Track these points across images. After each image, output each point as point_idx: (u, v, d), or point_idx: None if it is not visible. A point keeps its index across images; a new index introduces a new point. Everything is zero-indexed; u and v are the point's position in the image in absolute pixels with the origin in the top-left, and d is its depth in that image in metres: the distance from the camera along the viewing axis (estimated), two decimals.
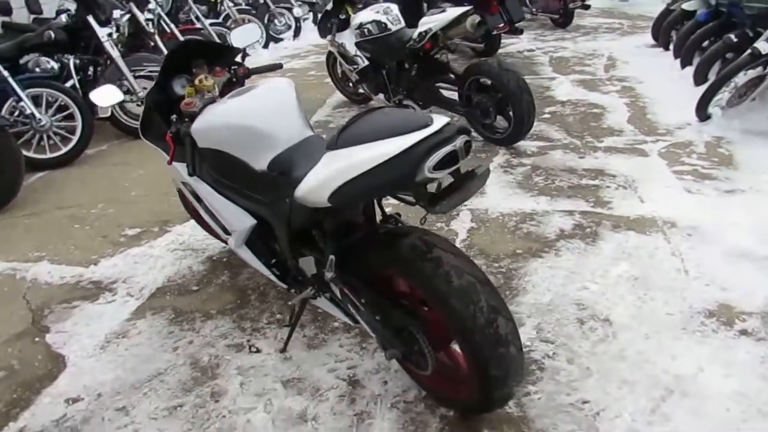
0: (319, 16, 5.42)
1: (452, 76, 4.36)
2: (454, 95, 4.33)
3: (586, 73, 5.94)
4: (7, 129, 3.68)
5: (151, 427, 2.01)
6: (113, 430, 2.01)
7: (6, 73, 4.15)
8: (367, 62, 4.71)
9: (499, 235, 3.03)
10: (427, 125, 1.47)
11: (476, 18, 3.94)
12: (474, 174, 1.60)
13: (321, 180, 1.58)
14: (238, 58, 2.57)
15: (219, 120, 2.08)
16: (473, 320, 1.60)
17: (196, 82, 2.33)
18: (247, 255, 2.29)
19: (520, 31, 6.60)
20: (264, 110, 2.06)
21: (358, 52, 4.72)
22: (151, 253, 3.14)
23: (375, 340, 1.97)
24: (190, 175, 2.25)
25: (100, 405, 2.12)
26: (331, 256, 1.77)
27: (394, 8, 4.58)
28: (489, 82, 3.98)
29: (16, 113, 4.30)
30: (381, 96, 4.84)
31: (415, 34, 4.19)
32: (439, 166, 1.45)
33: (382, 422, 1.94)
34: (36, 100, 4.33)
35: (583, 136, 4.29)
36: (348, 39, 4.76)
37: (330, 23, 4.89)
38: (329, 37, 4.91)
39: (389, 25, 4.49)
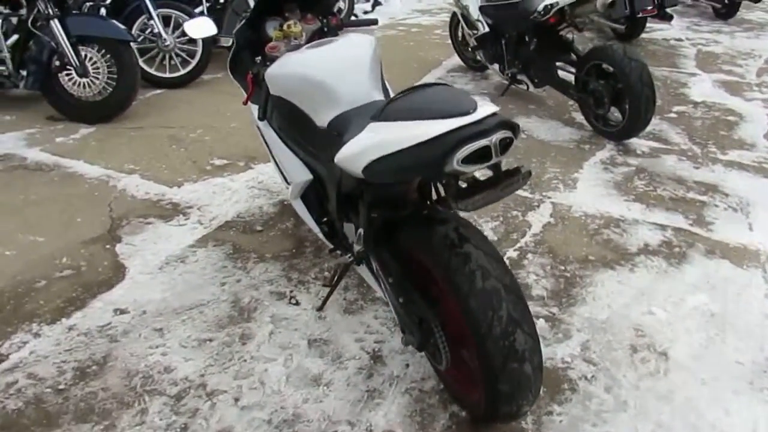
0: None
1: (574, 57, 4.05)
2: (571, 78, 4.03)
3: (734, 74, 5.30)
4: (130, 43, 3.90)
5: (179, 354, 2.10)
6: (145, 347, 2.12)
7: None
8: (487, 29, 4.48)
9: (576, 237, 2.82)
10: (467, 112, 1.35)
11: None
12: (512, 175, 1.46)
13: (356, 151, 1.51)
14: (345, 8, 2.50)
15: (290, 69, 2.05)
16: (489, 327, 1.49)
17: (284, 27, 2.31)
18: (301, 208, 2.29)
19: (669, 17, 5.96)
20: (335, 66, 2.00)
21: (481, 17, 4.50)
22: (231, 186, 3.25)
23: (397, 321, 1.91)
24: (260, 119, 2.26)
25: (142, 321, 2.25)
26: (360, 229, 1.72)
27: None
28: (610, 69, 3.65)
29: (147, 30, 4.56)
30: (496, 66, 4.61)
31: (541, 7, 3.91)
32: (471, 159, 1.33)
33: (391, 405, 1.90)
34: (166, 21, 4.55)
35: (706, 145, 3.85)
36: (473, 2, 4.55)
37: None
38: None
39: None
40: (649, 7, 5.71)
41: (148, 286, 2.45)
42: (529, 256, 2.67)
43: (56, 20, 3.61)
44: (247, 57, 2.45)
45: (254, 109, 2.33)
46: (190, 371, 2.03)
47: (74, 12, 3.88)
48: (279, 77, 2.09)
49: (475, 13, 4.51)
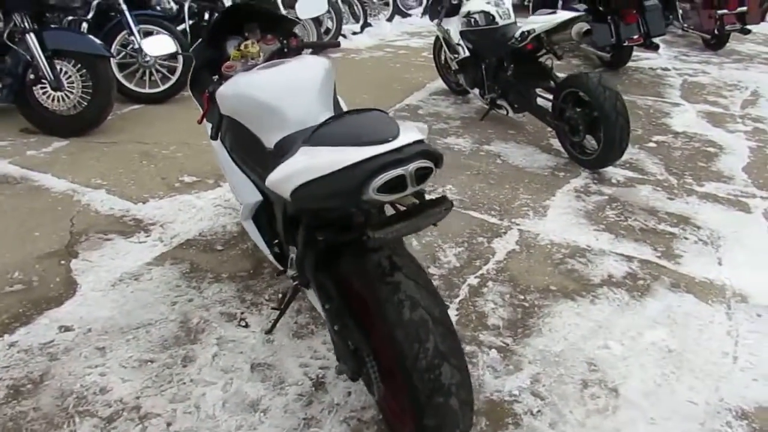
0: None
1: (552, 84, 4.05)
2: (549, 105, 4.03)
3: (719, 105, 5.30)
4: (109, 58, 3.90)
5: (117, 374, 2.05)
6: (84, 367, 2.08)
7: (124, 7, 4.40)
8: (468, 53, 4.49)
9: (539, 265, 2.78)
10: (387, 140, 1.32)
11: (584, 26, 3.59)
12: (434, 205, 1.43)
13: (284, 174, 1.48)
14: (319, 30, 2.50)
15: (239, 90, 2.04)
16: (414, 360, 1.45)
17: (242, 47, 2.30)
18: (251, 229, 2.26)
19: (656, 47, 6.02)
20: (282, 87, 1.98)
21: (461, 41, 4.51)
22: (196, 204, 3.22)
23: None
24: (212, 138, 2.24)
25: (86, 340, 2.21)
26: (292, 254, 1.68)
27: (509, 1, 4.30)
28: (586, 97, 3.64)
29: (128, 46, 4.57)
30: (477, 90, 4.62)
31: (518, 33, 3.92)
32: (388, 188, 1.30)
33: None
34: (147, 36, 4.56)
35: (683, 176, 3.83)
36: (454, 26, 4.56)
37: (440, 6, 4.71)
38: (436, 20, 4.73)
39: (497, 18, 4.24)
40: (635, 36, 5.77)
41: (97, 304, 2.41)
42: (490, 284, 2.63)
43: (32, 34, 3.62)
44: (206, 75, 2.44)
45: (208, 128, 2.31)
46: (125, 393, 1.97)
47: (52, 26, 3.88)
48: (229, 97, 2.07)
49: (455, 37, 4.53)
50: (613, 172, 3.81)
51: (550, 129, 4.22)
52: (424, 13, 8.49)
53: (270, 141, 1.95)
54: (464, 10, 4.42)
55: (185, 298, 2.46)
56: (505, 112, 4.41)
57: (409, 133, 1.37)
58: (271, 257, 2.23)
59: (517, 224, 3.14)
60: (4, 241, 2.78)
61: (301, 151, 1.50)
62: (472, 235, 3.02)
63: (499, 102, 4.40)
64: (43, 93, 3.82)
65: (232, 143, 2.20)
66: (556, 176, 3.74)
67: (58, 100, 3.86)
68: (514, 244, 2.96)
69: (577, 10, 3.76)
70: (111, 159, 3.69)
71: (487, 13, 4.26)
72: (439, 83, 5.48)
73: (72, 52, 3.73)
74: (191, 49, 2.39)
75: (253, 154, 2.06)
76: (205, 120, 2.35)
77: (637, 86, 5.75)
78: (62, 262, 2.66)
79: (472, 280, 2.65)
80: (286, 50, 2.44)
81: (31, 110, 3.86)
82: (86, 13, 4.43)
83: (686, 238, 3.08)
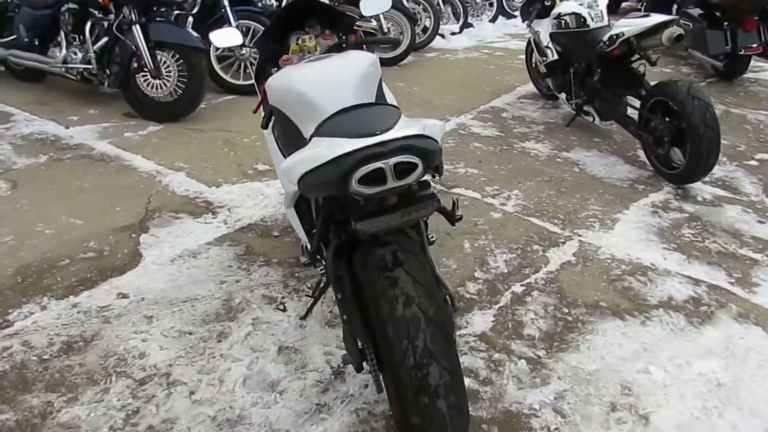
0: None
1: (643, 91, 3.81)
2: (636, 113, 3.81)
3: None
4: (205, 51, 4.18)
5: (157, 342, 2.21)
6: (130, 332, 2.25)
7: (226, 3, 4.67)
8: (556, 56, 4.34)
9: (593, 280, 2.64)
10: (374, 133, 1.33)
11: (675, 31, 3.34)
12: (419, 201, 1.41)
13: (292, 163, 1.53)
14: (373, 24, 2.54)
15: (283, 81, 2.11)
16: (402, 356, 1.44)
17: (299, 41, 2.38)
18: (292, 217, 2.33)
19: None
20: (323, 80, 2.02)
21: (550, 44, 4.37)
22: (264, 191, 3.37)
23: None
24: (263, 127, 2.34)
25: (137, 308, 2.39)
26: (306, 242, 1.72)
27: (603, 3, 4.10)
28: (674, 107, 3.40)
29: None
30: (563, 95, 4.45)
31: (606, 37, 3.73)
32: (369, 181, 1.30)
33: (334, 422, 1.88)
34: (246, 31, 4.82)
35: None
36: (544, 28, 4.43)
37: (532, 7, 4.58)
38: (527, 21, 4.61)
39: (588, 21, 4.05)
40: (754, 45, 5.29)
41: (154, 276, 2.60)
42: (535, 293, 2.54)
43: (138, 26, 3.95)
44: (269, 67, 2.55)
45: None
46: (160, 359, 2.12)
47: (158, 19, 4.21)
48: (275, 88, 2.15)
49: (545, 39, 4.39)
50: (700, 188, 3.54)
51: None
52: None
53: (308, 131, 1.99)
54: (555, 11, 4.27)
55: (233, 278, 2.59)
56: (591, 119, 4.22)
57: (403, 129, 1.36)
58: (307, 245, 2.30)
59: (579, 235, 3.00)
60: (90, 213, 3.06)
61: (312, 141, 1.54)
62: (528, 242, 2.92)
63: (586, 108, 4.21)
64: (144, 81, 4.16)
65: (278, 132, 2.29)
66: (634, 189, 3.53)
67: (157, 88, 4.18)
68: (571, 255, 2.83)
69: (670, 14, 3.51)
70: (196, 144, 3.95)
71: (578, 15, 4.09)
72: (531, 87, 5.32)
73: (171, 43, 4.03)
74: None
75: (294, 144, 2.12)
76: (261, 110, 2.46)
77: (752, 99, 5.27)
78: (133, 235, 2.89)
79: (517, 288, 2.58)
80: (344, 46, 2.49)
81: (133, 96, 4.21)
82: (192, 8, 4.76)
83: None
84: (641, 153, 3.91)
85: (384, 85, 2.60)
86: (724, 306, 2.49)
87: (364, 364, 1.72)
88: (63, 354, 2.14)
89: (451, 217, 1.84)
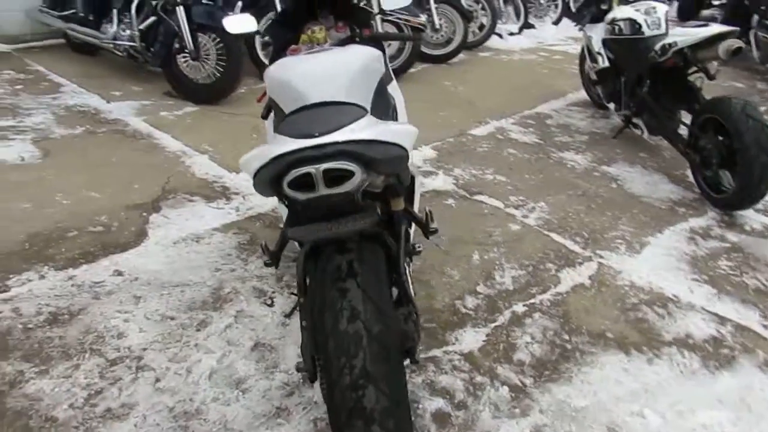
0: None
1: (696, 107, 3.53)
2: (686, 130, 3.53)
3: None
4: (241, 36, 4.17)
5: (138, 324, 2.20)
6: (114, 310, 2.26)
7: None
8: (607, 63, 4.09)
9: (604, 307, 2.45)
10: (313, 135, 1.23)
11: (733, 44, 3.06)
12: (356, 212, 1.31)
13: (247, 159, 1.45)
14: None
15: (278, 71, 2.04)
16: (339, 374, 1.35)
17: (309, 32, 2.31)
18: (283, 212, 2.27)
19: None
20: (314, 73, 1.93)
21: (602, 50, 4.12)
22: None
23: None
24: (263, 118, 2.28)
25: (128, 287, 2.40)
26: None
27: (662, 10, 3.82)
28: (726, 125, 3.12)
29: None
30: (612, 105, 4.20)
31: (658, 46, 3.47)
32: (299, 186, 1.21)
33: (290, 429, 1.81)
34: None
35: None
36: (597, 33, 4.17)
37: (587, 11, 4.34)
38: (579, 25, 4.37)
39: (644, 28, 3.78)
40: None
41: (153, 257, 2.60)
42: (536, 315, 2.38)
43: (182, 7, 3.98)
44: (282, 57, 2.49)
45: None
46: (136, 342, 2.11)
47: (203, 2, 4.25)
48: (270, 78, 2.08)
49: (597, 44, 4.14)
50: (750, 216, 3.24)
51: None
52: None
53: None
54: (610, 16, 4.01)
55: (229, 267, 2.56)
56: (640, 133, 3.95)
57: (351, 132, 1.26)
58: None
59: (600, 257, 2.80)
60: (108, 188, 3.11)
61: (270, 137, 1.47)
62: (542, 259, 2.75)
63: (635, 120, 3.95)
64: (184, 62, 4.20)
65: (274, 124, 2.22)
66: (674, 211, 3.27)
67: (196, 70, 4.22)
68: (586, 277, 2.64)
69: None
70: (225, 128, 3.96)
71: (633, 21, 3.82)
72: (583, 94, 5.05)
73: (212, 27, 4.04)
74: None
75: None
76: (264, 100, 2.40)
77: None
78: (144, 214, 2.91)
79: (519, 307, 2.42)
80: (357, 39, 2.40)
81: (173, 76, 4.27)
82: None
83: None
84: (690, 173, 3.63)
85: (391, 85, 2.50)
86: (750, 351, 2.26)
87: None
88: (47, 325, 2.16)
89: (425, 228, 1.73)
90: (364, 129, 1.32)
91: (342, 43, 2.35)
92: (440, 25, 5.59)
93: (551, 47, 6.62)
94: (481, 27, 6.27)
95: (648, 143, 4.06)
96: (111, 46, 4.46)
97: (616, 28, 3.95)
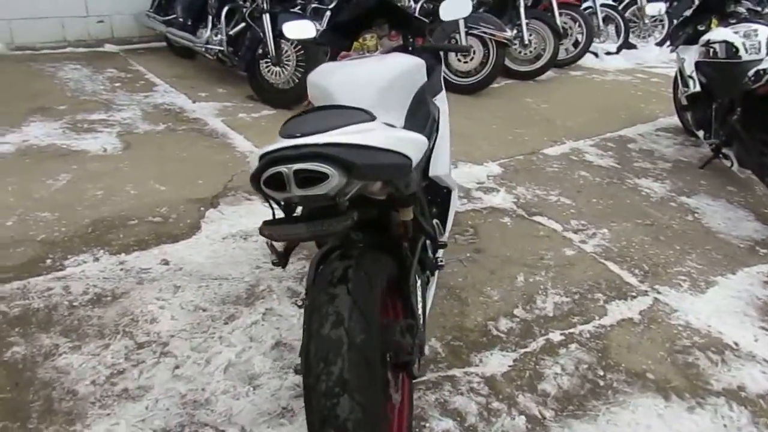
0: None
1: None
2: None
3: None
4: (320, 43, 4.29)
5: (171, 311, 2.29)
6: (153, 297, 2.36)
7: None
8: (698, 88, 3.81)
9: (650, 345, 2.27)
10: (294, 135, 1.23)
11: None
12: (332, 217, 1.28)
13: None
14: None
15: (318, 76, 2.06)
16: (316, 380, 1.32)
17: (360, 39, 2.33)
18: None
19: None
20: (349, 80, 1.94)
21: (694, 74, 3.85)
22: None
23: None
24: None
25: (171, 276, 2.51)
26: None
27: (764, 33, 3.51)
28: None
29: None
30: (701, 133, 3.90)
31: (752, 72, 3.19)
32: (275, 185, 1.21)
33: (292, 429, 1.81)
34: None
35: None
36: (691, 55, 3.91)
37: (682, 31, 4.07)
38: (673, 46, 4.10)
39: (741, 52, 3.50)
40: None
41: (201, 249, 2.70)
42: (573, 346, 2.24)
43: (267, 15, 4.16)
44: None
45: None
46: (165, 328, 2.20)
47: (291, 10, 4.41)
48: (310, 82, 2.12)
49: (689, 68, 3.88)
50: None
51: None
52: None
53: None
54: (705, 37, 3.75)
55: (269, 266, 2.61)
56: (729, 165, 3.64)
57: (338, 135, 1.25)
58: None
59: (658, 292, 2.59)
60: (175, 181, 3.29)
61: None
62: (591, 288, 2.59)
63: (724, 150, 3.65)
64: (266, 67, 4.37)
65: None
66: (753, 252, 2.97)
67: (277, 75, 4.37)
68: (637, 312, 2.46)
69: None
70: None
71: (730, 44, 3.54)
72: (675, 119, 4.75)
73: None
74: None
75: None
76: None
77: None
78: (202, 208, 3.04)
79: (555, 336, 2.29)
80: (410, 49, 2.39)
81: (256, 80, 4.46)
82: (330, 2, 4.91)
83: None
84: None
85: (439, 96, 2.46)
86: None
87: None
88: (90, 304, 2.30)
89: (434, 241, 1.67)
90: (357, 133, 1.30)
91: (393, 51, 2.35)
92: (529, 41, 5.46)
93: (650, 69, 6.28)
94: (576, 44, 6.05)
95: (738, 177, 3.73)
96: (203, 49, 4.73)
97: (711, 50, 3.69)
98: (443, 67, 5.04)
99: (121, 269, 2.53)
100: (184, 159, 3.59)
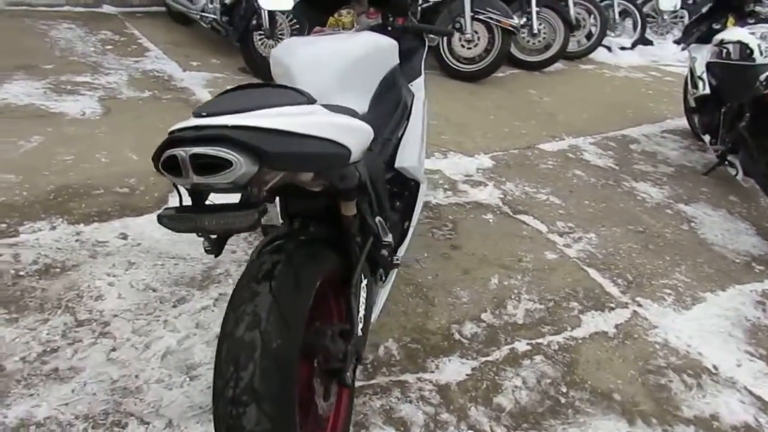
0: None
1: None
2: None
3: None
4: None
5: (120, 289, 2.17)
6: (104, 272, 2.25)
7: None
8: (708, 90, 3.62)
9: (621, 364, 2.12)
10: (200, 115, 1.09)
11: None
12: (239, 209, 1.15)
13: None
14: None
15: (281, 52, 1.91)
16: (224, 385, 1.20)
17: (336, 15, 2.18)
18: None
19: None
20: (313, 58, 1.79)
21: (704, 75, 3.65)
22: None
23: None
24: None
25: (126, 251, 2.39)
26: None
27: None
28: None
29: None
30: (707, 137, 3.71)
31: (764, 76, 2.99)
32: (172, 168, 1.08)
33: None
34: None
35: None
36: (702, 54, 3.70)
37: (696, 29, 3.86)
38: (684, 44, 3.90)
39: (755, 54, 3.30)
40: None
41: (162, 225, 2.58)
42: (538, 358, 2.11)
43: None
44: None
45: None
46: (110, 307, 2.09)
47: None
48: (273, 59, 1.97)
49: (699, 68, 3.68)
50: None
51: None
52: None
53: None
54: (718, 37, 3.54)
55: (231, 249, 2.49)
56: (734, 173, 3.46)
57: (256, 117, 1.11)
58: None
59: (639, 305, 2.45)
60: (152, 151, 3.13)
61: None
62: (568, 296, 2.45)
63: (730, 158, 3.47)
64: (259, 39, 4.22)
65: None
66: (748, 268, 2.81)
67: (270, 48, 4.22)
68: (612, 326, 2.31)
69: None
70: None
71: (744, 45, 3.34)
72: (684, 121, 4.55)
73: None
74: (293, 8, 2.35)
75: None
76: None
77: None
78: None
79: (521, 345, 2.16)
80: (389, 28, 2.23)
81: (248, 52, 4.31)
82: None
83: None
84: None
85: (416, 81, 2.31)
86: None
87: None
88: (37, 275, 2.19)
89: (377, 240, 1.54)
90: (281, 116, 1.16)
91: (372, 30, 2.20)
92: (539, 30, 5.25)
93: (665, 67, 6.04)
94: (589, 36, 5.83)
95: (742, 186, 3.55)
96: (198, 17, 4.58)
97: (724, 51, 3.49)
98: (445, 51, 4.88)
99: (77, 240, 2.42)
100: (163, 129, 3.44)
